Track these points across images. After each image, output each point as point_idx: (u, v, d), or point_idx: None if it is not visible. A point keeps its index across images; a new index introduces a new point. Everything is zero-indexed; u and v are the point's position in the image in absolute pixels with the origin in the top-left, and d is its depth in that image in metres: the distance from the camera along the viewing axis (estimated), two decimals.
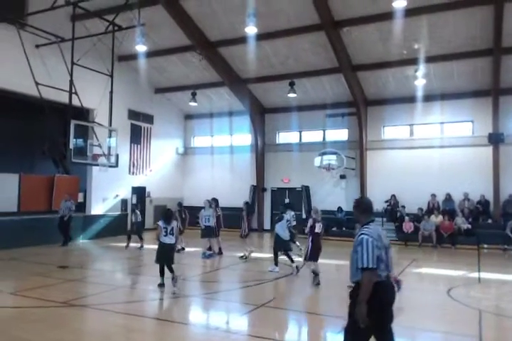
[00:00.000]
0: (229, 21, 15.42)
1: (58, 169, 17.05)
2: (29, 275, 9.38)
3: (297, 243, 12.34)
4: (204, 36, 16.51)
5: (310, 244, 8.95)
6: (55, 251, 12.94)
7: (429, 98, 17.01)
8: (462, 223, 15.54)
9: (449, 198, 16.67)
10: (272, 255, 10.35)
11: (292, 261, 9.96)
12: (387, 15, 13.52)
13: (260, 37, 15.11)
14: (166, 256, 8.24)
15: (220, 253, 12.57)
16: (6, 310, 6.74)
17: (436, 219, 15.77)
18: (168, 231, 8.24)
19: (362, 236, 3.67)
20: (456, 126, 17.44)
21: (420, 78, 15.69)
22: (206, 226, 12.20)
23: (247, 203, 13.26)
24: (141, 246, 13.68)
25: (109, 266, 11.59)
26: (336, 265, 11.76)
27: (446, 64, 15.70)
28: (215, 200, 12.95)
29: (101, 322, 6.36)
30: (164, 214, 8.55)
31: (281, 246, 10.22)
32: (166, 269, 8.24)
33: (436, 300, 7.96)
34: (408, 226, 15.90)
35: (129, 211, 18.72)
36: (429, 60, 15.19)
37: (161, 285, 8.30)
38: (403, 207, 17.05)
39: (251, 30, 13.73)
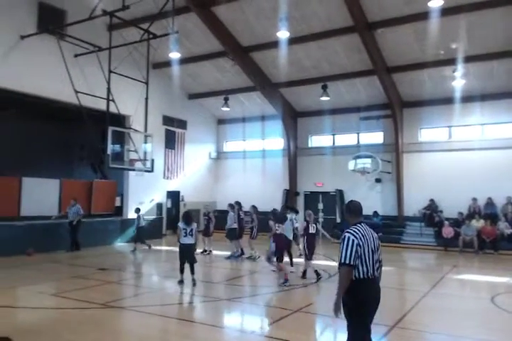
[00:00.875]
0: (261, 26, 15.49)
1: (96, 174, 17.56)
2: (70, 278, 9.64)
3: (300, 246, 12.26)
4: (236, 41, 16.64)
5: (305, 243, 9.67)
6: (94, 253, 13.27)
7: (468, 99, 16.47)
8: (505, 228, 14.89)
9: (490, 202, 16.03)
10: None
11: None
12: (423, 15, 13.21)
13: (292, 41, 15.09)
14: (187, 256, 8.79)
15: (242, 254, 12.78)
16: (48, 311, 6.94)
17: (478, 223, 15.18)
18: (188, 232, 8.77)
19: (345, 234, 3.96)
20: (498, 127, 16.78)
21: (458, 78, 15.24)
22: (229, 229, 12.73)
23: (273, 211, 11.67)
24: (150, 246, 14.34)
25: (145, 269, 11.79)
26: None
27: (485, 63, 15.17)
28: (238, 203, 13.26)
29: (138, 323, 6.45)
30: (184, 216, 9.12)
31: (288, 246, 10.64)
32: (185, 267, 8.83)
33: (479, 307, 7.65)
34: (448, 232, 15.38)
35: (164, 215, 19.07)
36: (468, 59, 14.70)
37: (181, 282, 8.86)
38: (441, 211, 16.54)
39: (283, 34, 13.75)
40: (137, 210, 14.57)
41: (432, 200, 17.03)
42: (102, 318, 6.54)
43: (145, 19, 14.76)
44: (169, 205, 19.66)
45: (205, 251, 13.51)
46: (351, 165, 17.36)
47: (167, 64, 17.79)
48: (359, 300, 3.89)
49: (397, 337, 5.90)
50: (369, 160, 17.10)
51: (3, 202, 13.55)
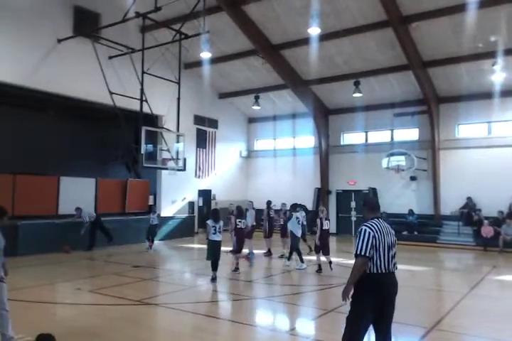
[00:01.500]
0: (292, 23, 15.37)
1: (130, 173, 17.91)
2: (106, 274, 9.88)
3: (316, 240, 12.26)
4: (267, 40, 16.59)
5: (319, 239, 10.22)
6: (129, 251, 13.53)
7: (508, 93, 15.84)
8: None
9: None
10: (296, 255, 10.93)
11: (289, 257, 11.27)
12: (460, 7, 12.76)
13: (324, 37, 14.90)
14: (217, 252, 9.00)
15: (269, 254, 12.72)
16: (86, 307, 7.11)
17: None
18: (217, 229, 8.95)
19: (362, 227, 4.02)
20: None
21: (498, 72, 14.63)
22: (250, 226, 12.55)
23: (237, 207, 10.86)
24: (150, 247, 13.72)
25: (178, 267, 11.92)
26: (409, 271, 11.21)
27: None
28: (268, 202, 13.40)
29: (172, 320, 6.51)
30: (212, 213, 9.33)
31: (296, 243, 11.00)
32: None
33: None
34: (487, 231, 14.83)
35: (195, 213, 19.26)
36: (508, 52, 14.12)
37: (214, 279, 8.96)
38: (479, 210, 15.95)
39: (314, 30, 13.58)
40: (153, 208, 14.85)
41: (469, 198, 16.46)
42: (138, 315, 6.65)
43: (176, 20, 14.93)
44: (201, 204, 19.84)
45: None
46: (385, 162, 17.01)
47: (198, 64, 17.94)
48: (362, 294, 3.89)
49: (436, 339, 5.71)
50: (403, 158, 16.71)
51: (43, 201, 14.02)
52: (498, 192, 15.72)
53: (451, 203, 16.93)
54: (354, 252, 3.94)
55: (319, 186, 20.12)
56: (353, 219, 18.62)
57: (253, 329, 6.17)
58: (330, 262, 10.26)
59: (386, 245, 3.98)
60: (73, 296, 7.87)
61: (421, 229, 16.76)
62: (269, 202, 13.46)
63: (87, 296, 7.88)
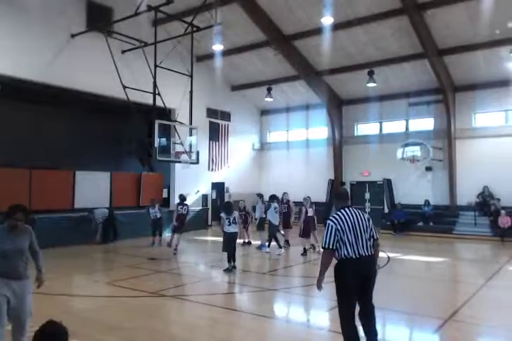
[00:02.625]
0: (304, 13, 15.19)
1: (144, 167, 18.04)
2: (123, 267, 10.01)
3: (282, 231, 13.04)
4: (279, 31, 16.45)
5: (303, 224, 11.35)
6: (144, 243, 13.67)
7: None
8: None
9: None
10: (274, 241, 11.87)
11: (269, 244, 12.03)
12: None
13: (337, 26, 14.72)
14: (232, 244, 9.19)
15: (287, 245, 12.76)
16: (102, 299, 7.23)
17: None
18: (231, 220, 9.11)
19: (327, 221, 4.42)
20: None
21: None
22: (259, 218, 12.96)
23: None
24: (154, 243, 13.40)
25: (193, 259, 12.02)
26: (425, 262, 11.13)
27: None
28: (273, 196, 12.88)
29: (188, 312, 6.58)
30: (225, 206, 9.57)
31: (274, 230, 11.96)
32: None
33: None
34: (505, 221, 14.61)
35: (209, 206, 19.35)
36: None
37: (229, 270, 9.12)
38: (498, 199, 15.69)
39: (327, 20, 13.42)
40: (153, 203, 14.14)
41: (485, 187, 16.19)
42: (154, 307, 6.73)
43: (188, 12, 14.88)
44: (214, 197, 19.92)
45: (245, 242, 13.48)
46: (399, 153, 16.83)
47: (210, 56, 17.89)
48: (343, 277, 4.32)
49: (452, 330, 5.66)
50: (418, 148, 16.52)
51: (60, 195, 14.23)
52: None
53: (467, 193, 16.70)
54: (321, 245, 4.45)
55: (333, 177, 20.01)
56: (367, 210, 18.50)
57: (270, 321, 6.19)
58: (312, 245, 11.71)
59: (356, 232, 4.35)
60: (91, 288, 8.00)
61: (437, 220, 16.58)
62: (260, 195, 13.62)
63: (105, 288, 8.00)
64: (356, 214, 4.46)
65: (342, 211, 4.46)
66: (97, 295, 7.41)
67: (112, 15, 15.28)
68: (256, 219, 13.25)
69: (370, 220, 4.55)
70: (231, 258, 9.23)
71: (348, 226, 4.35)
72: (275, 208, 11.98)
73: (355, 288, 4.32)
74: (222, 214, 9.27)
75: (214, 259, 11.42)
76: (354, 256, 4.30)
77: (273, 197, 12.29)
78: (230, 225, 9.15)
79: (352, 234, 4.33)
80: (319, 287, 4.43)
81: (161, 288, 7.83)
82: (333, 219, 4.39)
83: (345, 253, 4.32)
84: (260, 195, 13.64)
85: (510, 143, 16.05)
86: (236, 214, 9.36)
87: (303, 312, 6.87)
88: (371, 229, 4.48)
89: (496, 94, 16.36)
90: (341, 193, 4.81)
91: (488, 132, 16.68)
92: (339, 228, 4.32)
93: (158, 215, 13.76)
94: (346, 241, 4.32)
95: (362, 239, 4.37)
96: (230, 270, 9.14)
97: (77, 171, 14.95)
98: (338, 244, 4.32)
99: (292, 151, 21.71)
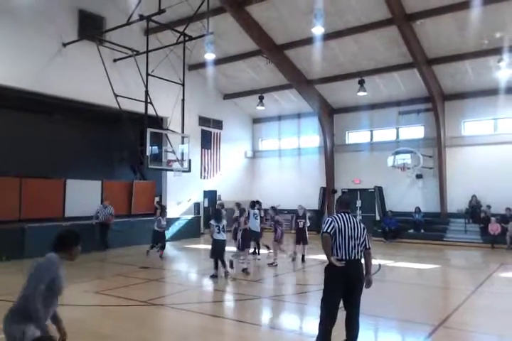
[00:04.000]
0: (295, 23, 15.38)
1: (136, 175, 17.99)
2: (113, 276, 9.93)
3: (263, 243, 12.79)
4: (270, 40, 16.61)
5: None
6: (136, 252, 13.56)
7: None
8: None
9: None
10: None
11: (258, 251, 12.31)
12: (465, 4, 12.74)
13: (327, 36, 14.89)
14: (220, 251, 9.27)
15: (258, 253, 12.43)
16: (91, 309, 7.16)
17: None
18: (221, 228, 9.24)
19: (327, 218, 4.84)
20: None
21: (504, 68, 14.53)
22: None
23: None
24: (150, 252, 12.51)
25: (184, 267, 11.96)
26: (416, 269, 11.18)
27: None
28: (258, 202, 12.70)
29: (179, 321, 6.54)
30: (215, 214, 9.69)
31: (254, 236, 11.55)
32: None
33: None
34: (495, 228, 14.74)
35: (201, 214, 19.30)
36: None
37: (215, 276, 9.29)
38: (488, 206, 15.84)
39: (318, 30, 13.55)
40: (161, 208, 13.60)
41: (473, 196, 16.35)
42: (144, 315, 6.67)
43: (180, 22, 15.02)
44: (206, 205, 19.89)
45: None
46: (390, 161, 16.97)
47: (202, 65, 18.01)
48: (332, 277, 4.66)
49: (443, 336, 5.70)
50: (409, 156, 16.66)
51: (50, 204, 14.11)
52: (505, 189, 15.63)
53: (457, 201, 16.85)
54: (321, 231, 4.73)
55: (325, 185, 20.09)
56: (359, 218, 18.57)
57: (260, 329, 6.18)
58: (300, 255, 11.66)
59: (347, 236, 4.66)
60: (80, 298, 7.91)
61: (428, 227, 16.70)
62: (238, 204, 12.37)
63: (94, 298, 7.93)
64: (352, 221, 4.79)
65: (341, 214, 4.82)
66: (85, 305, 7.33)
67: (103, 24, 15.35)
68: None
69: (365, 230, 4.84)
70: (217, 264, 9.40)
71: (342, 228, 4.69)
72: (254, 214, 11.55)
73: (341, 289, 4.61)
74: (212, 222, 9.38)
75: (205, 268, 11.38)
76: (344, 259, 4.61)
77: (253, 203, 12.04)
78: (219, 233, 9.27)
79: (343, 237, 4.66)
80: (337, 263, 4.59)
81: (152, 296, 7.78)
82: (333, 218, 4.79)
83: (336, 253, 4.64)
84: (238, 204, 12.27)
85: (499, 150, 16.26)
86: (225, 222, 9.47)
87: (293, 319, 6.86)
88: (364, 237, 4.76)
89: (484, 103, 16.60)
90: (343, 199, 5.15)
91: (477, 140, 16.89)
92: (336, 225, 4.69)
93: (156, 227, 12.59)
94: (338, 243, 4.65)
95: (352, 244, 4.66)
96: (216, 276, 9.31)
97: (68, 179, 14.86)
98: (334, 232, 4.65)
99: (284, 159, 21.80)
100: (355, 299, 4.72)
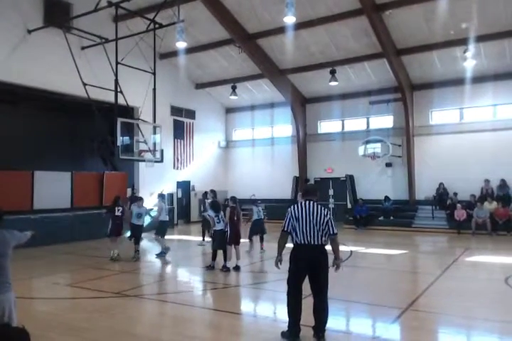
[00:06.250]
0: (267, 12, 15.30)
1: (107, 166, 17.67)
2: (84, 268, 9.78)
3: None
4: (242, 29, 16.49)
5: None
6: (106, 244, 13.38)
7: (480, 79, 16.15)
8: None
9: (503, 184, 15.86)
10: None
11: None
12: None
13: (299, 26, 14.90)
14: (221, 242, 9.13)
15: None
16: (63, 301, 7.08)
17: (491, 205, 15.07)
18: (220, 218, 9.20)
19: (288, 208, 5.08)
20: (511, 107, 16.46)
21: (469, 59, 14.92)
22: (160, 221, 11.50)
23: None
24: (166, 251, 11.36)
25: (158, 258, 11.90)
26: (385, 255, 11.51)
27: (497, 43, 14.83)
28: (213, 191, 12.59)
29: (153, 311, 6.55)
30: (212, 205, 9.58)
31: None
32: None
33: (493, 288, 7.61)
34: (460, 214, 15.28)
35: (175, 205, 19.18)
36: (479, 39, 14.40)
37: (212, 267, 9.15)
38: (455, 194, 16.38)
39: (289, 19, 13.52)
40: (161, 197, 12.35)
41: (441, 184, 16.86)
42: (117, 307, 6.63)
43: (150, 9, 14.70)
44: (180, 195, 19.79)
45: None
46: (361, 150, 17.27)
47: (174, 54, 17.75)
48: (293, 259, 4.97)
49: (410, 319, 5.92)
50: (379, 145, 17.00)
51: (17, 196, 13.69)
52: (470, 177, 16.17)
53: (425, 188, 17.36)
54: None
55: (297, 175, 20.29)
56: (331, 206, 18.87)
57: (235, 316, 6.24)
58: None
59: (307, 223, 4.88)
60: (50, 291, 7.80)
61: (397, 214, 17.15)
62: (161, 195, 11.97)
63: (65, 290, 7.83)
64: (313, 208, 4.98)
65: (303, 203, 5.04)
66: (56, 298, 7.24)
67: (70, 11, 14.87)
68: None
69: (328, 216, 5.00)
70: (216, 256, 9.21)
71: (302, 215, 4.92)
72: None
73: (302, 271, 4.94)
74: (210, 213, 9.35)
75: (179, 258, 11.40)
76: (302, 243, 4.89)
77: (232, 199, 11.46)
78: (219, 222, 9.22)
79: (304, 224, 4.89)
80: (277, 265, 5.04)
81: (125, 288, 7.72)
82: (292, 208, 5.04)
83: (297, 239, 4.93)
84: (161, 195, 11.85)
85: (466, 139, 16.78)
86: (222, 213, 9.34)
87: (268, 306, 6.98)
88: (326, 224, 4.93)
89: (451, 93, 17.04)
90: (306, 188, 5.42)
91: (444, 129, 17.37)
92: (293, 215, 4.95)
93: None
94: (298, 229, 4.90)
95: (313, 229, 4.89)
96: (212, 267, 9.16)
97: (36, 171, 14.46)
98: (291, 228, 4.93)
99: (257, 149, 21.85)
100: (320, 285, 4.95)
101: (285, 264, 5.06)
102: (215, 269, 9.15)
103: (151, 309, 6.69)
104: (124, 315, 6.23)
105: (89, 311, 6.36)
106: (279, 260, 5.03)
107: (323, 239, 4.94)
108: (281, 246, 5.04)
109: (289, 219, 4.96)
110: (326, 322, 4.97)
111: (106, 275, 8.98)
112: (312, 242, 4.88)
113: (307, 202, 5.01)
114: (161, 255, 11.19)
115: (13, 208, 13.36)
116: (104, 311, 6.36)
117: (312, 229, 4.88)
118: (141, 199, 11.70)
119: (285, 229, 4.97)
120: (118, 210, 11.09)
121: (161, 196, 11.86)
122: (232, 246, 9.39)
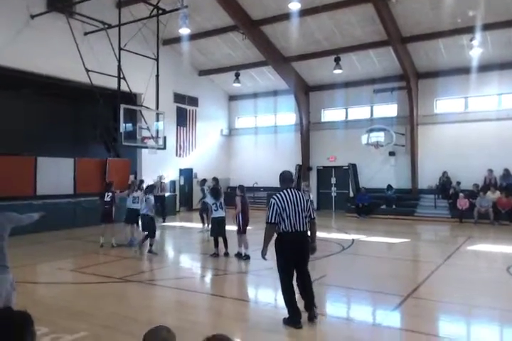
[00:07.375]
0: None
1: (110, 153, 17.68)
2: (87, 254, 9.89)
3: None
4: (247, 15, 16.28)
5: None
6: (112, 230, 13.46)
7: (485, 68, 15.96)
8: None
9: (507, 174, 15.81)
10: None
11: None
12: None
13: (304, 12, 14.68)
14: (220, 228, 9.07)
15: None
16: (67, 286, 7.16)
17: (494, 195, 15.05)
18: (218, 205, 9.08)
19: (271, 199, 5.06)
20: None
21: (476, 47, 14.73)
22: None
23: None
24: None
25: (161, 244, 11.99)
26: (387, 243, 11.56)
27: (504, 31, 14.59)
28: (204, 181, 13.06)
29: (156, 297, 6.62)
30: (212, 191, 9.50)
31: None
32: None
33: (494, 277, 7.66)
34: (463, 203, 15.28)
35: (177, 192, 19.24)
36: (486, 27, 14.14)
37: (216, 255, 9.07)
38: (458, 183, 16.35)
39: (294, 6, 13.36)
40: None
41: (444, 172, 16.82)
42: (121, 292, 6.73)
43: None
44: (182, 183, 19.82)
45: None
46: (364, 138, 17.20)
47: (177, 40, 17.55)
48: (281, 247, 5.01)
49: (411, 306, 5.97)
50: (382, 134, 16.93)
51: (20, 182, 13.76)
52: (474, 166, 16.10)
53: (428, 177, 17.32)
54: (265, 220, 5.03)
55: (300, 163, 20.26)
56: (334, 194, 18.91)
57: (237, 302, 6.31)
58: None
59: (294, 210, 4.96)
60: (54, 276, 7.89)
61: (399, 203, 17.17)
62: (204, 181, 12.58)
63: (69, 275, 7.91)
64: (296, 195, 5.08)
65: (284, 191, 5.08)
66: (60, 282, 7.32)
67: None
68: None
69: (309, 202, 5.20)
70: (217, 243, 9.15)
71: (288, 204, 4.98)
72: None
73: (292, 258, 5.01)
74: (208, 200, 9.29)
75: (182, 245, 11.48)
76: (291, 230, 4.97)
77: (204, 181, 11.98)
78: (217, 210, 9.10)
79: (291, 211, 4.96)
80: (264, 257, 5.14)
81: (128, 273, 7.81)
82: (275, 198, 5.04)
83: (284, 227, 4.98)
84: (150, 187, 11.23)
85: (470, 128, 16.67)
86: (222, 199, 9.25)
87: (271, 293, 7.03)
88: (309, 209, 5.10)
89: (456, 81, 16.87)
90: (285, 176, 5.34)
91: (448, 118, 17.24)
92: (279, 205, 4.97)
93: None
94: (285, 217, 4.95)
95: (299, 216, 5.00)
96: (217, 255, 9.12)
97: (39, 157, 14.49)
98: (278, 219, 4.96)
99: (260, 137, 21.78)
100: (305, 265, 5.16)
101: (270, 254, 5.17)
102: (219, 256, 9.18)
103: (154, 294, 6.75)
104: (126, 301, 6.30)
105: (93, 296, 6.43)
106: (264, 251, 5.12)
107: (308, 224, 5.10)
108: (268, 239, 5.08)
109: (275, 210, 4.97)
110: (313, 295, 5.12)
111: (109, 260, 9.07)
112: (299, 229, 5.00)
113: (289, 190, 5.08)
114: (132, 244, 10.61)
115: (16, 194, 13.49)
116: (107, 296, 6.44)
117: (299, 216, 5.00)
118: (154, 186, 11.94)
119: (272, 221, 4.99)
120: (107, 196, 10.98)
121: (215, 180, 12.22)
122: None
